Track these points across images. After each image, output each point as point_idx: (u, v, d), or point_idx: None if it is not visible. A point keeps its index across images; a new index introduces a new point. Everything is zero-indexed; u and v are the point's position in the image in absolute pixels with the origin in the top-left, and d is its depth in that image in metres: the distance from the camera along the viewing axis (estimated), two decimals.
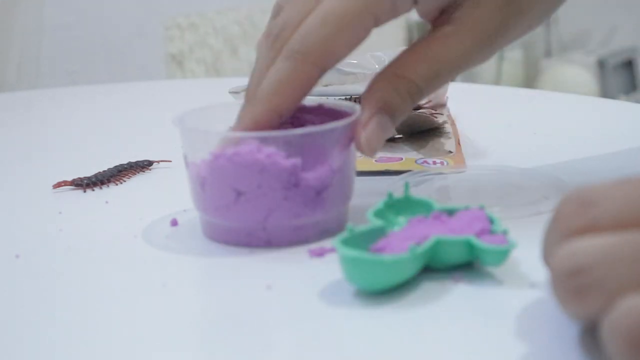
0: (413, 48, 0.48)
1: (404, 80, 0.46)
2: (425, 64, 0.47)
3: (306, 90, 0.46)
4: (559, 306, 0.32)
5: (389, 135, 0.47)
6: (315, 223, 0.46)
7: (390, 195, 0.45)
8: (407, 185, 0.46)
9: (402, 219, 0.44)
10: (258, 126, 0.45)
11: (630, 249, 0.31)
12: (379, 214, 0.44)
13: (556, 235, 0.33)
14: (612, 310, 0.30)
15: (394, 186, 0.52)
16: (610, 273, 0.31)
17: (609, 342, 0.30)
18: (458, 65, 0.47)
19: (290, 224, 0.45)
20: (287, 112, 0.46)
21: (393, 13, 0.46)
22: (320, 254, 0.44)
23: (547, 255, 0.34)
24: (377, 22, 0.46)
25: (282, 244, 0.45)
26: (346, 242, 0.40)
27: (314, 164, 0.45)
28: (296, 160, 0.44)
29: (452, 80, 0.50)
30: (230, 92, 0.69)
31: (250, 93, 0.48)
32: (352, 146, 0.47)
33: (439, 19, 0.48)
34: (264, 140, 0.44)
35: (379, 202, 0.44)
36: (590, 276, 0.31)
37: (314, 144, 0.45)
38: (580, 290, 0.31)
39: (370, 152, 0.46)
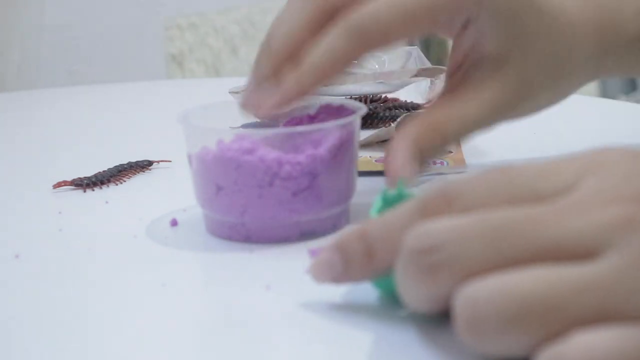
0: (445, 103, 0.49)
1: (437, 131, 0.48)
2: (454, 122, 0.48)
3: (350, 66, 0.46)
4: (409, 289, 0.33)
5: (413, 173, 0.48)
6: (294, 223, 0.46)
7: (384, 191, 0.45)
8: (400, 182, 0.45)
9: None
10: (302, 93, 0.45)
11: (479, 227, 0.32)
12: (380, 212, 0.44)
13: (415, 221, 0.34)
14: (456, 296, 0.31)
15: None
16: (460, 250, 0.31)
17: (455, 326, 0.31)
18: (482, 124, 0.49)
19: (267, 222, 0.45)
20: (328, 84, 0.47)
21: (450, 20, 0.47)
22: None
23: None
24: (438, 22, 0.47)
25: (262, 241, 0.46)
26: None
27: (292, 166, 0.45)
28: (270, 161, 0.44)
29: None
30: (230, 92, 0.69)
31: (280, 48, 0.46)
32: (345, 152, 0.46)
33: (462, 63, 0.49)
34: (242, 138, 0.45)
35: (376, 199, 0.44)
36: (442, 254, 0.32)
37: (293, 144, 0.45)
38: (432, 268, 0.32)
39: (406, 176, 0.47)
